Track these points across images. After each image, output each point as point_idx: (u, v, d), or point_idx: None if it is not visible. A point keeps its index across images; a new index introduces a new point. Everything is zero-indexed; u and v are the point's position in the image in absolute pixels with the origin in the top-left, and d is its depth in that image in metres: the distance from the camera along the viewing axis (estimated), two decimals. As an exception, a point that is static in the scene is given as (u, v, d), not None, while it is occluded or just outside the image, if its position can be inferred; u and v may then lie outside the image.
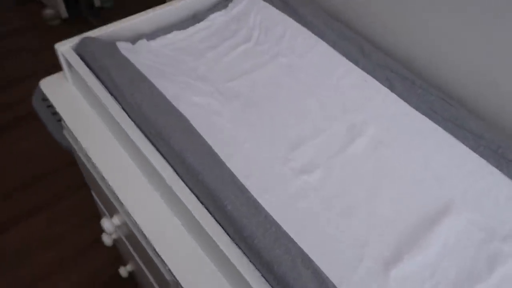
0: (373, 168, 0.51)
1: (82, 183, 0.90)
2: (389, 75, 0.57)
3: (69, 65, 0.59)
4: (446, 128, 0.53)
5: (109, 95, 0.53)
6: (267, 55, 0.63)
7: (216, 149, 0.48)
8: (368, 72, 0.58)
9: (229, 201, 0.42)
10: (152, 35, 0.64)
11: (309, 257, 0.40)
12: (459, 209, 0.48)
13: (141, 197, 0.50)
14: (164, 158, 0.48)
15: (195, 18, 0.68)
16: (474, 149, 0.51)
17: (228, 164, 0.47)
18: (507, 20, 0.49)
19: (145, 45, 0.62)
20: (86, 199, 1.03)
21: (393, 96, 0.56)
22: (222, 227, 0.43)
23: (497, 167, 0.49)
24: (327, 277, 0.39)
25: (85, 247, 1.13)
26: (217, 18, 0.68)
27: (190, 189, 0.45)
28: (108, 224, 0.63)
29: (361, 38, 0.61)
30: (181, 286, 0.44)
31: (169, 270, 0.46)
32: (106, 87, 0.54)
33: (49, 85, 0.62)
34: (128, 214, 0.50)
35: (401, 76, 0.57)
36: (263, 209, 0.43)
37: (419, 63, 0.59)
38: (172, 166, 0.47)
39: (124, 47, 0.60)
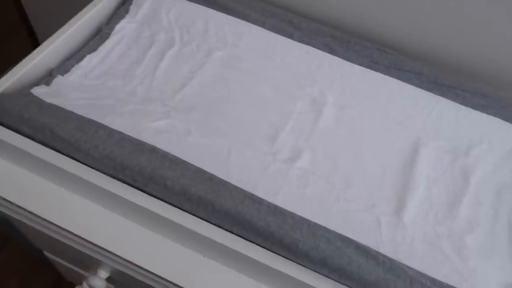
0: (347, 133, 0.54)
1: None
2: (325, 41, 0.59)
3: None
4: (390, 75, 0.58)
5: (60, 155, 0.46)
6: (199, 54, 0.59)
7: (210, 170, 0.46)
8: (306, 43, 0.60)
9: (257, 218, 0.41)
10: (63, 66, 0.55)
11: (346, 237, 0.43)
12: (425, 141, 0.54)
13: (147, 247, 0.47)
14: (162, 199, 0.44)
15: (101, 32, 0.60)
16: (419, 85, 0.57)
17: (231, 181, 0.45)
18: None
19: (64, 82, 0.53)
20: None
21: (336, 59, 0.59)
22: (254, 243, 0.43)
23: (441, 95, 0.57)
24: (367, 247, 0.42)
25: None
26: (125, 27, 0.61)
27: (207, 220, 0.43)
28: (97, 281, 0.57)
29: (287, 12, 0.61)
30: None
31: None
32: (50, 146, 0.46)
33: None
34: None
35: (336, 38, 0.59)
36: (287, 211, 0.43)
37: (348, 22, 0.62)
38: (175, 206, 0.44)
39: (42, 93, 0.51)
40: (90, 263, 0.59)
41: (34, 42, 1.13)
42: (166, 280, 0.47)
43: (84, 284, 0.66)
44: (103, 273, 0.59)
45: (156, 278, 0.51)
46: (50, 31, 0.56)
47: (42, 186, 0.49)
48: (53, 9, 0.91)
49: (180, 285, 0.46)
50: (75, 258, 0.62)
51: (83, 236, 0.47)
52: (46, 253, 0.72)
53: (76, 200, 0.49)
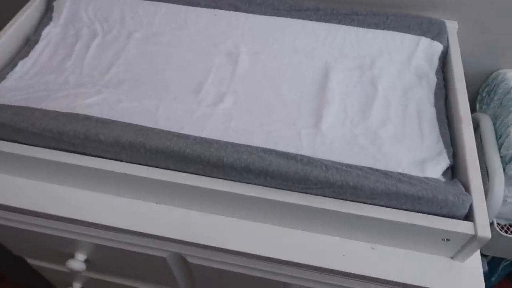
0: (263, 74, 0.60)
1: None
2: (229, 1, 0.66)
3: None
4: (292, 17, 0.64)
5: (3, 142, 0.51)
6: (121, 38, 0.65)
7: (140, 124, 0.51)
8: (213, 8, 0.66)
9: (184, 147, 0.47)
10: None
11: (267, 148, 0.48)
12: (333, 66, 0.61)
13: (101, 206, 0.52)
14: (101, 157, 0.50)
15: (29, 41, 0.66)
16: (318, 20, 0.64)
17: (160, 127, 0.51)
18: None
19: (1, 88, 0.58)
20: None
21: (242, 14, 0.65)
22: (189, 172, 0.48)
23: (339, 23, 0.63)
24: (287, 152, 0.48)
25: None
26: (51, 32, 0.67)
27: (143, 164, 0.49)
28: (75, 263, 0.61)
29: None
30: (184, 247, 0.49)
31: (170, 238, 0.50)
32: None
33: None
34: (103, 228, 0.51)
35: (238, -3, 0.66)
36: (212, 140, 0.49)
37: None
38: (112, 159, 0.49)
39: (-20, 99, 0.56)
40: (67, 250, 0.64)
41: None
42: (131, 232, 0.52)
43: (75, 284, 0.70)
44: (80, 256, 0.64)
45: (123, 238, 0.56)
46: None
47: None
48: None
49: (142, 231, 0.51)
50: (54, 252, 0.66)
51: (43, 211, 0.52)
52: (29, 260, 0.76)
53: (26, 183, 0.54)
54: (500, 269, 0.80)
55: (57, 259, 0.71)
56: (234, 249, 0.49)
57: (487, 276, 0.81)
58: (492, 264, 0.82)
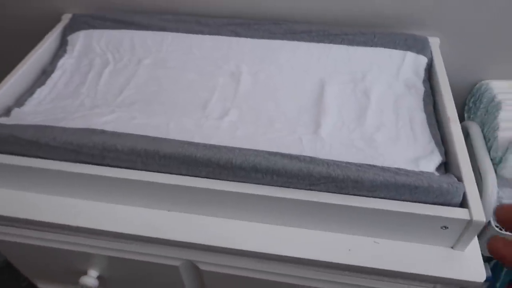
0: (264, 90, 0.65)
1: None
2: (231, 28, 0.72)
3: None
4: (287, 39, 0.71)
5: (20, 157, 0.55)
6: (131, 65, 0.71)
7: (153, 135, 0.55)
8: (215, 34, 0.72)
9: (195, 153, 0.50)
10: (18, 101, 0.65)
11: (272, 151, 0.52)
12: (329, 80, 0.66)
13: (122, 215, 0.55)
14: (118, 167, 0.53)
15: (45, 72, 0.71)
16: (311, 40, 0.70)
17: (171, 137, 0.55)
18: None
19: (21, 112, 0.63)
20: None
21: (242, 39, 0.71)
22: (200, 176, 0.52)
23: (330, 42, 0.69)
24: (291, 154, 0.52)
25: None
26: (66, 62, 0.72)
27: (157, 171, 0.52)
28: (89, 280, 0.63)
29: (193, 17, 0.74)
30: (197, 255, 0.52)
31: (181, 242, 0.52)
32: (14, 153, 0.55)
33: None
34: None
35: (239, 25, 0.73)
36: (220, 146, 0.53)
37: (246, 10, 0.76)
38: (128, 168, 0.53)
39: (2, 120, 0.60)
40: (80, 267, 0.65)
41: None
42: (145, 238, 0.54)
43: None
44: (93, 272, 0.65)
45: (136, 248, 0.58)
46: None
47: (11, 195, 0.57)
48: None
49: (155, 236, 0.53)
50: (67, 270, 0.68)
51: (60, 222, 0.55)
52: (40, 284, 0.77)
53: (47, 198, 0.57)
54: (503, 273, 0.82)
55: (69, 279, 0.72)
56: (243, 249, 0.51)
57: (491, 281, 0.82)
58: (495, 270, 0.83)
